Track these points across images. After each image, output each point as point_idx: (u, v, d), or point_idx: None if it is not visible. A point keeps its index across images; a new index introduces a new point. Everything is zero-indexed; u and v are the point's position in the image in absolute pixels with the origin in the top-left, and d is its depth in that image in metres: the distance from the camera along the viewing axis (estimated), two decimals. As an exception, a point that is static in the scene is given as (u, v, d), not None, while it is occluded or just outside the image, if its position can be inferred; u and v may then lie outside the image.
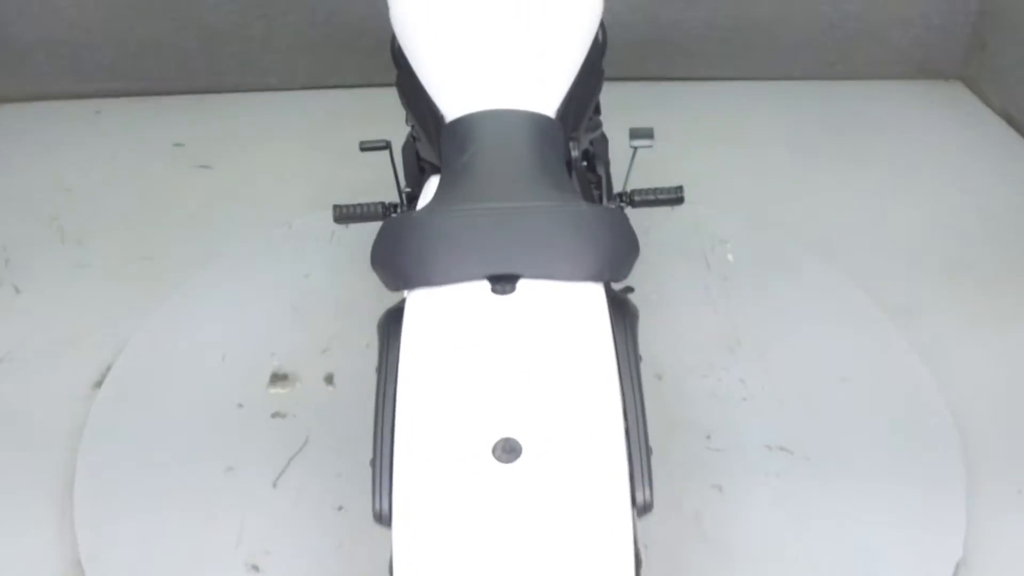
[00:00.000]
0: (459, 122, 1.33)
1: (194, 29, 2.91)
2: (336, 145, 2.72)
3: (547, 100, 1.36)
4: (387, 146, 1.50)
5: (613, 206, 1.66)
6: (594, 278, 1.05)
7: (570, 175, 1.43)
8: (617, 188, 1.73)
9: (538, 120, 1.33)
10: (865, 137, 2.77)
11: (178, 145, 2.78)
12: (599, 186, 1.67)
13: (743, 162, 2.66)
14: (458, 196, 1.15)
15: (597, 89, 1.59)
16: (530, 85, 1.36)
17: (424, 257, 1.05)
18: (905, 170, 2.61)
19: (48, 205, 2.52)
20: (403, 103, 1.58)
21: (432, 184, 1.37)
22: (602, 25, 1.60)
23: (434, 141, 1.39)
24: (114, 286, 2.22)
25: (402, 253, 1.06)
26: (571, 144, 1.38)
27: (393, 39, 1.59)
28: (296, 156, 2.72)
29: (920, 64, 3.02)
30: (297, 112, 2.95)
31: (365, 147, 1.55)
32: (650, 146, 1.50)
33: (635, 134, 1.52)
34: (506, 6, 1.42)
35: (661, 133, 2.88)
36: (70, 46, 2.91)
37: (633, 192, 1.72)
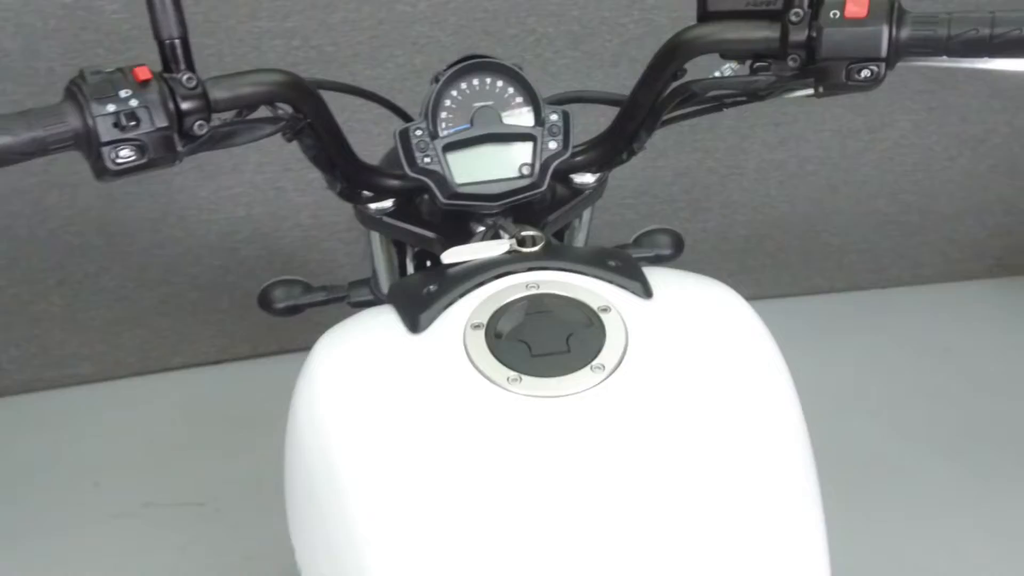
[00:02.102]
0: None
1: (-52, 309, 1.89)
2: (188, 487, 1.72)
3: None
4: None
5: None
6: None
7: None
8: None
9: None
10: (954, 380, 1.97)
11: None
12: None
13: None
14: None
15: None
16: None
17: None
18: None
19: None
20: None
21: None
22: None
23: None
24: None
25: None
26: None
27: None
28: (120, 531, 1.68)
29: (998, 258, 2.28)
30: (122, 417, 1.94)
31: None
32: None
33: None
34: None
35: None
36: None
37: None
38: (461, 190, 0.75)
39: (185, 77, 0.62)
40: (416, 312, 0.64)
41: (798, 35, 0.66)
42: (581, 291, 0.63)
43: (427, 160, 0.75)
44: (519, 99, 0.77)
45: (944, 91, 2.00)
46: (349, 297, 1.00)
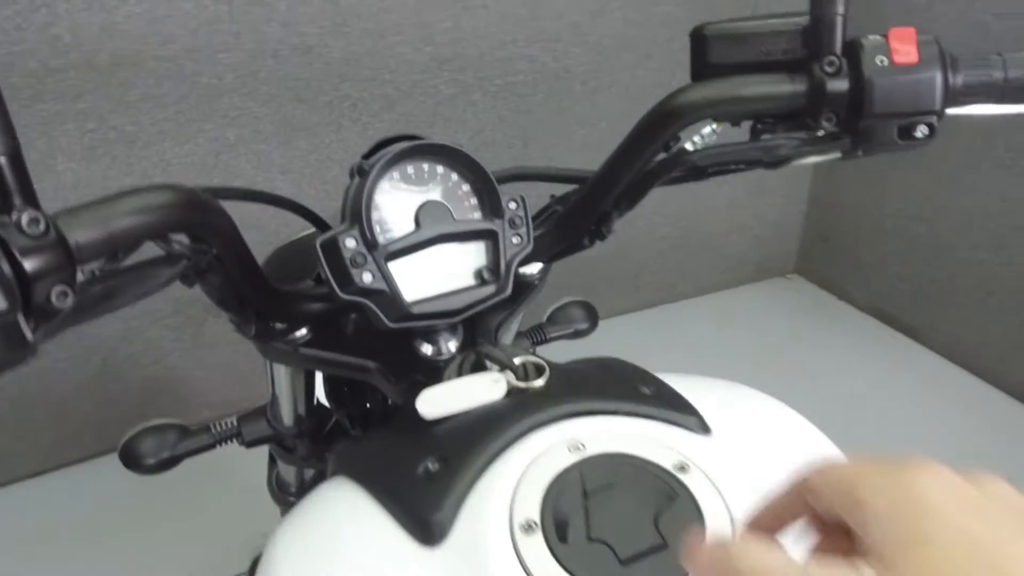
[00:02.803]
0: None
1: None
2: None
3: None
4: None
5: None
6: None
7: None
8: None
9: None
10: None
11: None
12: None
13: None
14: None
15: None
16: None
17: None
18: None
19: None
20: None
21: None
22: None
23: None
24: None
25: None
26: None
27: None
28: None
29: (758, 265, 2.61)
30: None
31: None
32: None
33: None
34: None
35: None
36: None
37: None
38: (414, 310, 0.57)
39: (25, 218, 0.38)
40: (423, 510, 0.44)
41: (836, 87, 0.53)
42: (640, 443, 0.47)
43: (368, 278, 0.56)
44: (465, 187, 0.60)
45: (709, 128, 2.26)
46: (242, 436, 0.80)
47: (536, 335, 0.86)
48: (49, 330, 0.40)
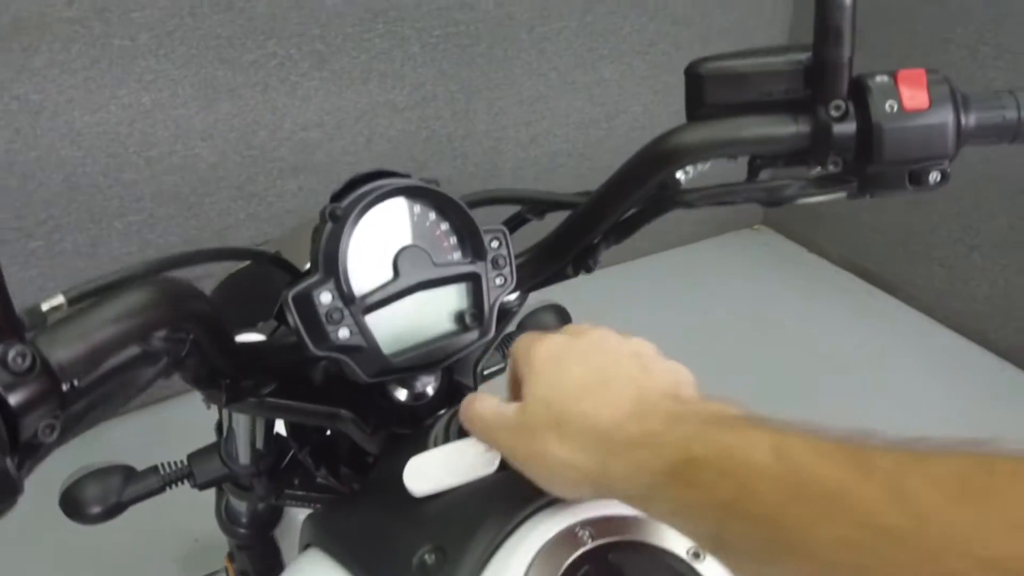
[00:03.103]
0: None
1: None
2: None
3: None
4: None
5: None
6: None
7: None
8: None
9: None
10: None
11: None
12: None
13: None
14: None
15: None
16: None
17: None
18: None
19: None
20: None
21: None
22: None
23: None
24: None
25: None
26: None
27: None
28: None
29: (723, 216, 2.54)
30: None
31: None
32: None
33: None
34: None
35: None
36: None
37: None
38: (394, 363, 0.54)
39: (12, 353, 0.35)
40: None
41: (843, 131, 0.51)
42: (650, 525, 0.44)
43: (344, 334, 0.52)
44: (444, 226, 0.56)
45: (666, 74, 2.16)
46: (194, 478, 0.75)
47: (507, 346, 0.80)
48: (34, 463, 0.37)
